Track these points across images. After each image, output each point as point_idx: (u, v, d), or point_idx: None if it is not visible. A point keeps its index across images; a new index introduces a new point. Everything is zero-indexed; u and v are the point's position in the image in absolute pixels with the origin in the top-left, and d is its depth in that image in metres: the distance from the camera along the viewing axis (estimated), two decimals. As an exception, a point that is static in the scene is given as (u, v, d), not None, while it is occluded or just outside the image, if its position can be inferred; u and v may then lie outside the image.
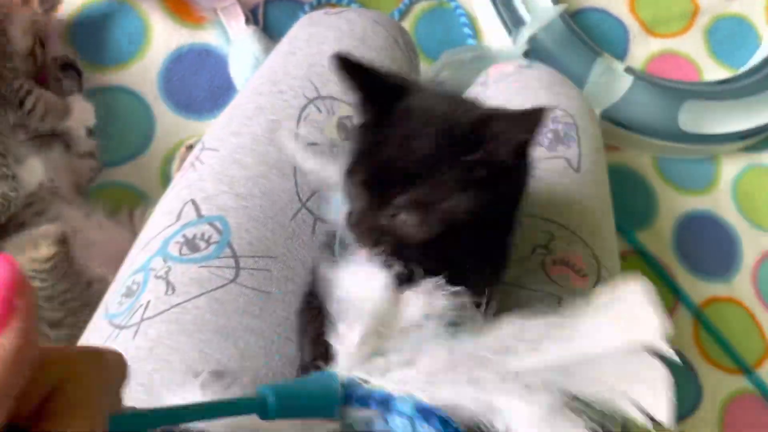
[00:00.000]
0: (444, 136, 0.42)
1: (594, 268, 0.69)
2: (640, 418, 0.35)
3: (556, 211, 0.71)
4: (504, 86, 0.80)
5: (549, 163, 0.73)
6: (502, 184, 0.44)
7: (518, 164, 0.45)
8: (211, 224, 0.65)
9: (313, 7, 1.05)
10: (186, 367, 0.59)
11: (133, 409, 0.27)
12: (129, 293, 0.64)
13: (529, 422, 0.33)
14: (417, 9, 1.09)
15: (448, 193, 0.41)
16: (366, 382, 0.34)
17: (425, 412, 0.33)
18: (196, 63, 1.00)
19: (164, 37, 1.01)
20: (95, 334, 0.63)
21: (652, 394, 0.35)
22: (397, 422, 0.34)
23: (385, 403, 0.34)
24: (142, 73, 1.00)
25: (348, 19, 0.79)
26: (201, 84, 0.98)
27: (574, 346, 0.35)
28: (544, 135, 0.75)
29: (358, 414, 0.35)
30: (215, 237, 0.64)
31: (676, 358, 0.35)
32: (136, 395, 0.56)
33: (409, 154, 0.42)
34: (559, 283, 0.67)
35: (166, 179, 0.96)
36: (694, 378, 0.99)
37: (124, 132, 0.97)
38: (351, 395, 0.34)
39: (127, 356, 0.61)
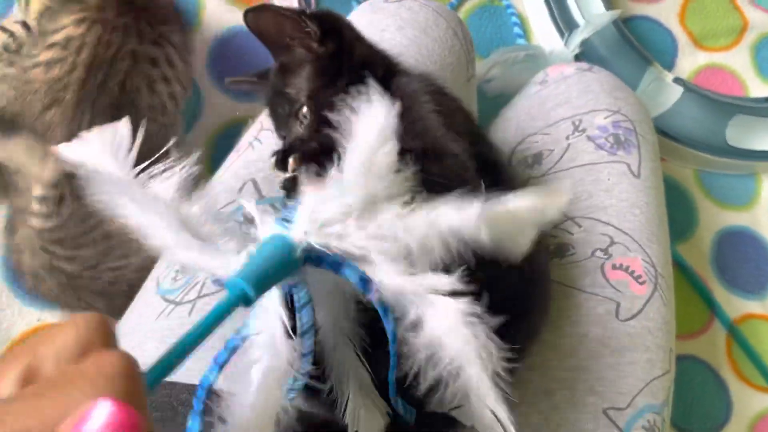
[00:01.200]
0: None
1: (652, 276, 0.68)
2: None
3: (617, 216, 0.70)
4: (564, 87, 0.80)
5: (610, 167, 0.72)
6: (334, 66, 0.56)
7: (336, 51, 0.57)
8: (272, 205, 0.64)
9: (366, -5, 1.04)
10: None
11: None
12: (185, 269, 0.64)
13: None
14: (468, 5, 1.09)
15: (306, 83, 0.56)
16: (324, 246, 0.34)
17: (366, 284, 0.33)
18: (246, 44, 0.98)
19: (215, 16, 1.00)
20: (148, 309, 0.62)
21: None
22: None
23: (336, 266, 0.34)
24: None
25: (409, 7, 0.78)
26: (251, 64, 0.97)
27: None
28: (605, 139, 0.74)
29: (314, 270, 0.35)
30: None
31: None
32: (188, 372, 0.55)
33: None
34: (618, 288, 0.66)
35: (210, 160, 0.95)
36: (725, 394, 0.99)
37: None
38: (307, 257, 0.34)
39: (183, 332, 0.60)
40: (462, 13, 1.08)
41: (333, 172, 0.35)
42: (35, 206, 0.76)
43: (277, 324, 0.34)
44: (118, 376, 0.21)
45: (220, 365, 0.35)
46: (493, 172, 0.55)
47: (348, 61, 0.57)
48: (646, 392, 0.63)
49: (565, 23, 1.03)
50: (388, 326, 0.34)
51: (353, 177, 0.34)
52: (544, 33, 1.06)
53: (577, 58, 1.02)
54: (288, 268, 0.33)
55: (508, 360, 0.35)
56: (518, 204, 0.33)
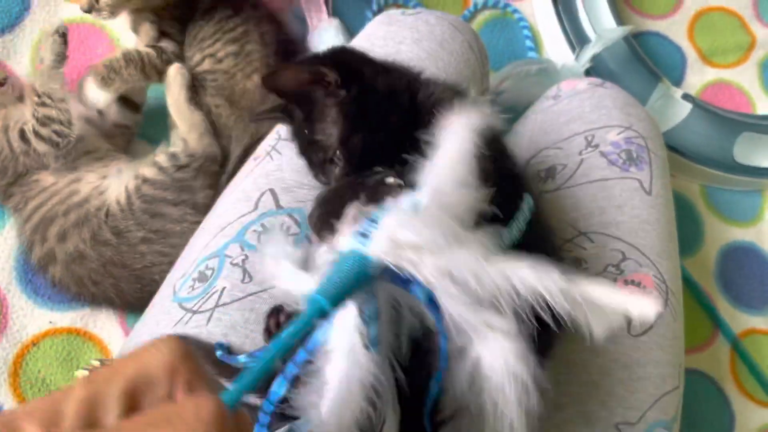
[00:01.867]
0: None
1: (663, 292, 0.69)
2: None
3: (628, 232, 0.71)
4: (577, 102, 0.80)
5: (623, 183, 0.73)
6: (360, 108, 0.56)
7: (359, 93, 0.56)
8: (290, 215, 0.65)
9: (380, 6, 1.04)
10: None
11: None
12: (202, 278, 0.64)
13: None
14: (480, 18, 1.09)
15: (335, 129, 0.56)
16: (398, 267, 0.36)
17: (432, 303, 0.36)
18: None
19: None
20: (165, 317, 0.63)
21: None
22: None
23: (406, 283, 0.37)
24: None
25: (426, 20, 0.79)
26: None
27: None
28: (618, 155, 0.75)
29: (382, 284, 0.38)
30: (294, 228, 0.64)
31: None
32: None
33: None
34: (630, 304, 0.67)
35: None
36: (728, 408, 1.00)
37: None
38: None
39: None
40: (474, 25, 1.09)
41: (416, 195, 0.37)
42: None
43: (356, 336, 0.36)
44: (213, 422, 0.24)
45: (290, 380, 0.36)
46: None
47: (373, 98, 0.57)
48: (657, 407, 0.64)
49: (576, 38, 1.04)
50: (443, 345, 0.37)
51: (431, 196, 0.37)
52: (555, 47, 1.07)
53: (588, 72, 1.03)
54: (362, 283, 0.36)
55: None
56: (601, 296, 0.35)
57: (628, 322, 0.67)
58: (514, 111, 0.93)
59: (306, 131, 0.57)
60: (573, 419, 0.61)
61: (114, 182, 0.85)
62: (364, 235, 0.36)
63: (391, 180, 0.45)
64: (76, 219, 0.82)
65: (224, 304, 0.60)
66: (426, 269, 0.35)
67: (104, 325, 0.85)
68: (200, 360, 0.27)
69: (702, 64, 1.17)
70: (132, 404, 0.25)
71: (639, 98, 1.00)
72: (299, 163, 0.66)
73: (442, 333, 0.37)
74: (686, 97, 1.04)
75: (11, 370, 0.81)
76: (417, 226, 0.36)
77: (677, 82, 1.15)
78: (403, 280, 0.36)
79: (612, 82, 0.86)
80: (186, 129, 0.87)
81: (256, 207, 0.66)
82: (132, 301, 0.83)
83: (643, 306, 0.35)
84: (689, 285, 1.03)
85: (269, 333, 0.51)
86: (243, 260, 0.63)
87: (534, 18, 1.11)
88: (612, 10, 1.06)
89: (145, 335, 0.64)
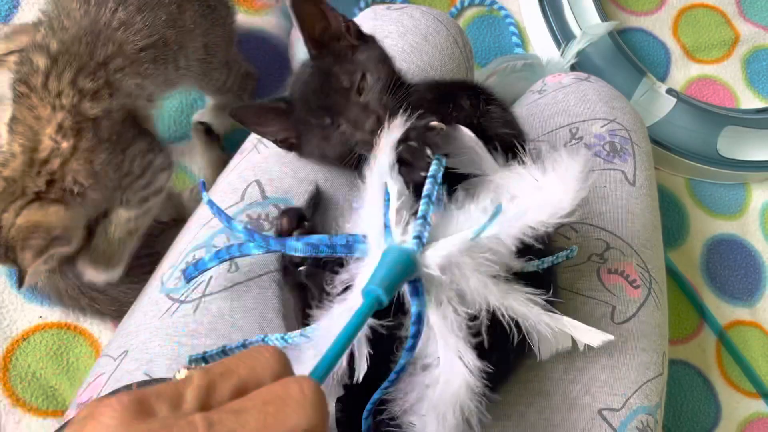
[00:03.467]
0: None
1: (646, 280, 0.69)
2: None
3: (612, 222, 0.72)
4: (562, 96, 0.81)
5: (606, 174, 0.74)
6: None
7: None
8: (275, 206, 0.65)
9: (367, 4, 1.05)
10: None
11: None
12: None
13: None
14: (467, 14, 1.11)
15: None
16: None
17: (419, 319, 0.40)
18: (253, 48, 1.00)
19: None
20: (153, 308, 0.63)
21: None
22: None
23: (415, 293, 0.40)
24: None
25: (411, 15, 0.80)
26: (258, 68, 0.98)
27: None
28: (602, 146, 0.76)
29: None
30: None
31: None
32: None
33: None
34: (613, 292, 0.68)
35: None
36: (714, 398, 1.01)
37: (177, 114, 0.97)
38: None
39: (187, 330, 0.61)
40: (461, 22, 1.10)
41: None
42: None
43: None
44: (316, 396, 0.28)
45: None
46: None
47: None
48: (640, 394, 0.64)
49: (561, 34, 1.05)
50: (403, 359, 0.41)
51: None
52: (541, 43, 1.08)
53: (573, 68, 1.04)
54: (403, 283, 0.39)
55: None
56: (575, 329, 0.45)
57: (612, 309, 0.69)
58: (501, 106, 0.93)
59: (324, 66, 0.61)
60: (557, 405, 0.62)
61: None
62: (418, 237, 0.39)
63: (435, 122, 0.47)
64: None
65: (211, 294, 0.61)
66: (445, 294, 0.39)
67: (94, 319, 0.85)
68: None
69: (686, 60, 1.19)
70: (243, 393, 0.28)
71: (624, 93, 1.01)
72: (285, 155, 0.67)
73: (408, 348, 0.40)
74: (670, 91, 1.05)
75: (1, 365, 0.81)
76: (471, 263, 0.40)
77: (662, 77, 1.16)
78: (414, 288, 0.39)
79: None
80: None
81: (242, 198, 0.67)
82: (112, 315, 0.83)
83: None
84: (675, 277, 1.04)
85: (280, 234, 0.56)
86: (230, 250, 0.63)
87: (520, 15, 1.12)
88: (597, 6, 1.08)
89: (133, 327, 0.65)
